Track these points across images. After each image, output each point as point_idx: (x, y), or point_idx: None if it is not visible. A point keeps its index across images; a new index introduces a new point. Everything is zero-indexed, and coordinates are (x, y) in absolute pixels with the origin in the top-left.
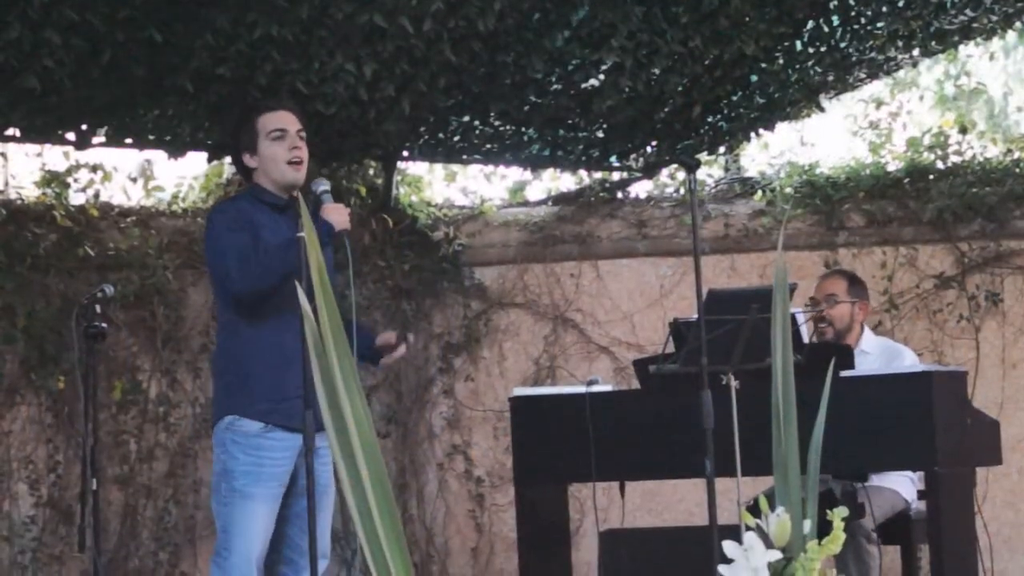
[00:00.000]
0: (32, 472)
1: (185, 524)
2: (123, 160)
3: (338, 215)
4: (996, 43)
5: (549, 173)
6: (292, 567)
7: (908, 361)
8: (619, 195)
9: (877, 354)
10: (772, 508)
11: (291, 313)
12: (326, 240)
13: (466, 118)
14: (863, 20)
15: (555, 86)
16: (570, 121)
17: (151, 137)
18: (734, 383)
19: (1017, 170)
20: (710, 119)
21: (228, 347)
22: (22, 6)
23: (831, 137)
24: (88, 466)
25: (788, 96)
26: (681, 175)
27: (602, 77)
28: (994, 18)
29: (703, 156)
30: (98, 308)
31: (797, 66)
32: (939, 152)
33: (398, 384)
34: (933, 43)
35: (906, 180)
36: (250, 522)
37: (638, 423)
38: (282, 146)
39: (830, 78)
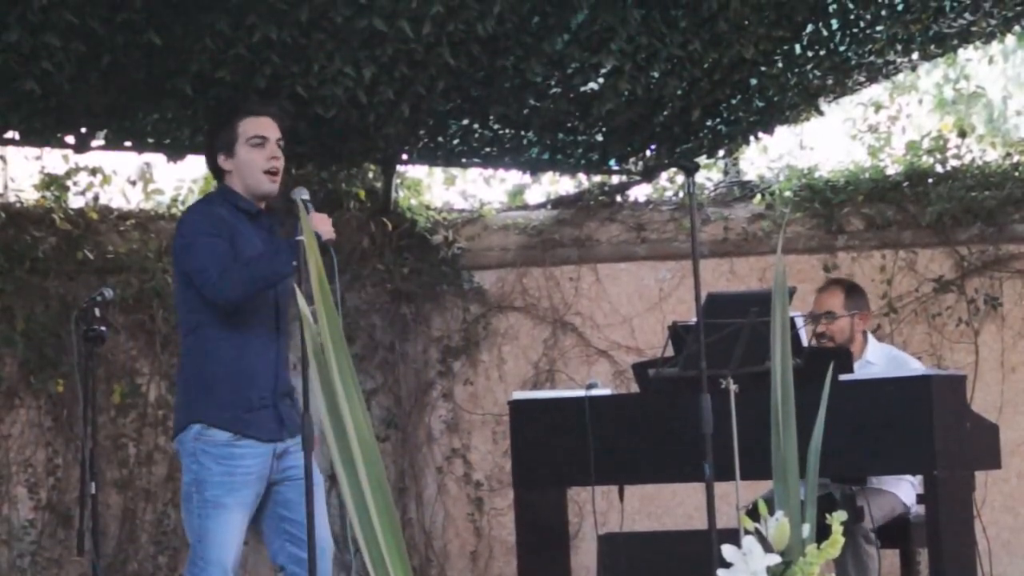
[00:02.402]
0: (31, 476)
1: (184, 528)
2: (122, 163)
3: (325, 225)
4: (995, 47)
5: (548, 176)
6: (301, 564)
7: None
8: (618, 199)
9: (883, 364)
10: (771, 512)
11: (258, 324)
12: None
13: (465, 121)
14: (862, 24)
15: (554, 90)
16: (569, 124)
17: (150, 140)
18: (733, 387)
19: (1016, 174)
20: (709, 123)
21: (194, 355)
22: (21, 9)
23: (830, 141)
24: (87, 470)
25: (787, 100)
26: (680, 178)
27: (601, 81)
28: (993, 22)
29: (702, 160)
30: (97, 311)
31: (796, 70)
32: (938, 156)
33: (397, 388)
34: (932, 47)
35: (905, 184)
36: (224, 532)
37: (637, 427)
38: (261, 154)
39: (829, 82)
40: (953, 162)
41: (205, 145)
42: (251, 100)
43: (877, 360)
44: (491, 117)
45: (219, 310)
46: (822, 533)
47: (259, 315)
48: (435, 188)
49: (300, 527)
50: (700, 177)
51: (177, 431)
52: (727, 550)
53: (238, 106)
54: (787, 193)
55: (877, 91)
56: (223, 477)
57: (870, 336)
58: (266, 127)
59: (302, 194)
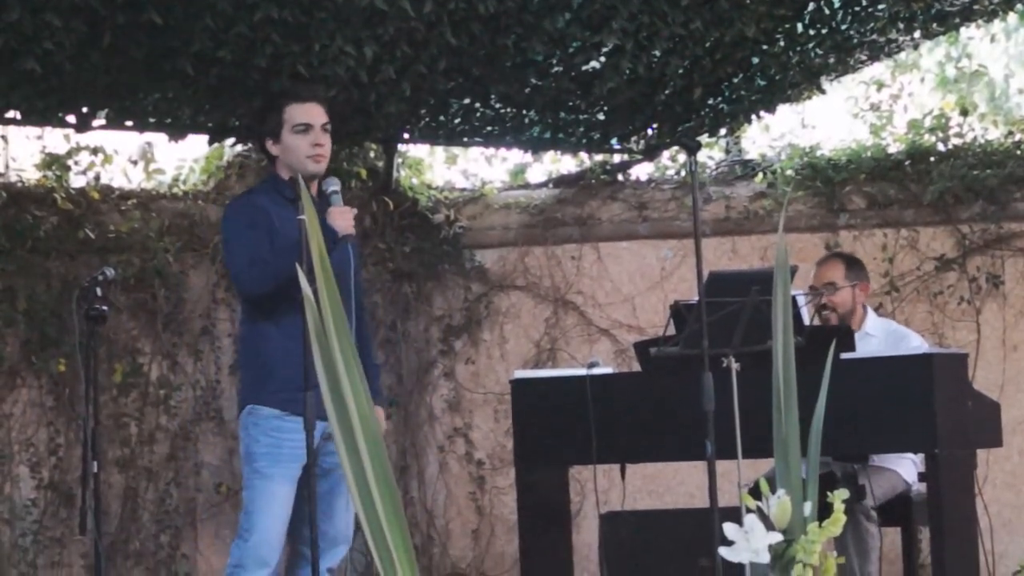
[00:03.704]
0: (33, 455)
1: (186, 507)
2: (124, 143)
3: (343, 220)
4: (997, 25)
5: (550, 155)
6: (315, 531)
7: (915, 343)
8: (620, 177)
9: (882, 337)
10: (773, 490)
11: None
12: (330, 246)
13: (467, 100)
14: (864, 2)
15: (556, 68)
16: (571, 103)
17: (151, 120)
18: (735, 365)
19: (1018, 152)
20: (711, 101)
21: (248, 339)
22: None
23: (832, 119)
24: (89, 449)
25: (789, 78)
26: (682, 157)
27: (603, 59)
28: (995, 0)
29: (704, 138)
30: (99, 291)
31: (798, 48)
32: (940, 134)
33: (399, 367)
34: (934, 25)
35: (907, 162)
36: (270, 502)
37: (639, 406)
38: (305, 140)
39: (831, 60)
40: (955, 141)
41: (255, 130)
42: (299, 85)
43: (876, 332)
44: (492, 96)
45: (256, 302)
46: (823, 511)
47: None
48: (436, 167)
49: (320, 514)
50: (702, 156)
51: (237, 414)
52: (729, 528)
53: (286, 91)
54: (789, 172)
55: (879, 69)
56: (270, 448)
57: (869, 309)
58: (311, 113)
59: (332, 185)
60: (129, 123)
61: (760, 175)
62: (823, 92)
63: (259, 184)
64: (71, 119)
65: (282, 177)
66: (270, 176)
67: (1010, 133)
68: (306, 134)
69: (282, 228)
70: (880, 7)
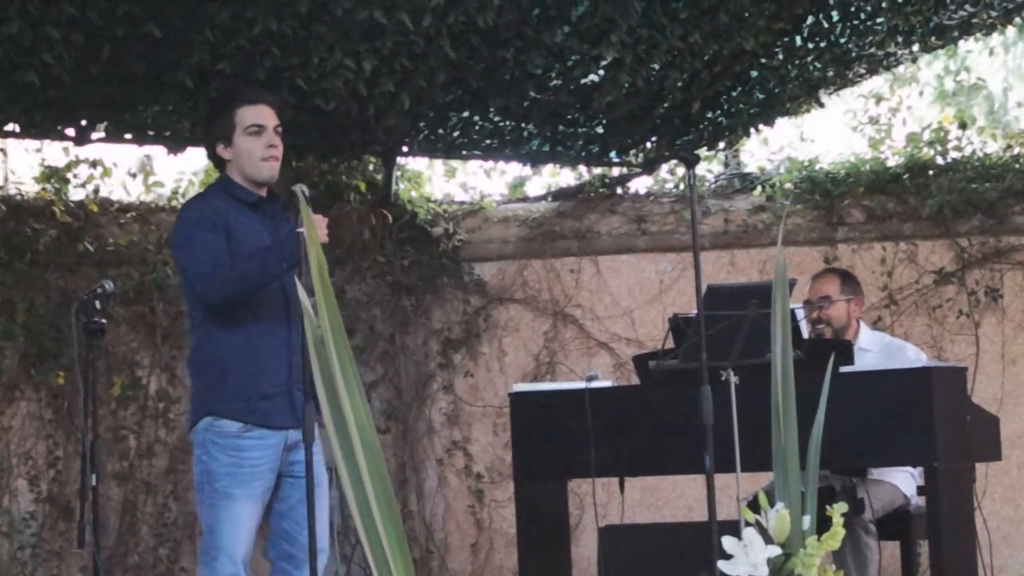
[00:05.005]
0: (32, 468)
1: (185, 520)
2: (123, 156)
3: (318, 229)
4: (996, 39)
5: (549, 169)
6: (292, 561)
7: (911, 354)
8: (619, 191)
9: (877, 351)
10: (771, 504)
11: (266, 313)
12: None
13: (466, 114)
14: (863, 16)
15: (555, 81)
16: (570, 117)
17: (151, 133)
18: (734, 379)
19: (1016, 166)
20: (710, 115)
21: (203, 347)
22: (21, 1)
23: (831, 133)
24: (88, 462)
25: (788, 92)
26: (681, 170)
27: (602, 73)
28: (994, 14)
29: (703, 152)
30: (98, 304)
31: (797, 62)
32: (939, 148)
33: (398, 380)
34: (933, 39)
35: (906, 176)
36: (234, 522)
37: (637, 419)
38: (259, 142)
39: (830, 74)
40: (954, 154)
41: (204, 135)
42: (248, 88)
43: (871, 347)
44: (491, 109)
45: (217, 308)
46: (822, 525)
47: (267, 305)
48: (435, 180)
49: (296, 526)
50: (701, 169)
51: (192, 425)
52: (728, 542)
53: (235, 95)
54: (788, 185)
55: (878, 83)
56: (231, 468)
57: (863, 324)
58: (263, 115)
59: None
60: (128, 136)
61: (759, 188)
62: (822, 105)
63: (211, 187)
64: (70, 132)
65: (235, 180)
66: (222, 179)
67: (1009, 146)
68: (259, 136)
69: (239, 232)
70: (879, 21)
